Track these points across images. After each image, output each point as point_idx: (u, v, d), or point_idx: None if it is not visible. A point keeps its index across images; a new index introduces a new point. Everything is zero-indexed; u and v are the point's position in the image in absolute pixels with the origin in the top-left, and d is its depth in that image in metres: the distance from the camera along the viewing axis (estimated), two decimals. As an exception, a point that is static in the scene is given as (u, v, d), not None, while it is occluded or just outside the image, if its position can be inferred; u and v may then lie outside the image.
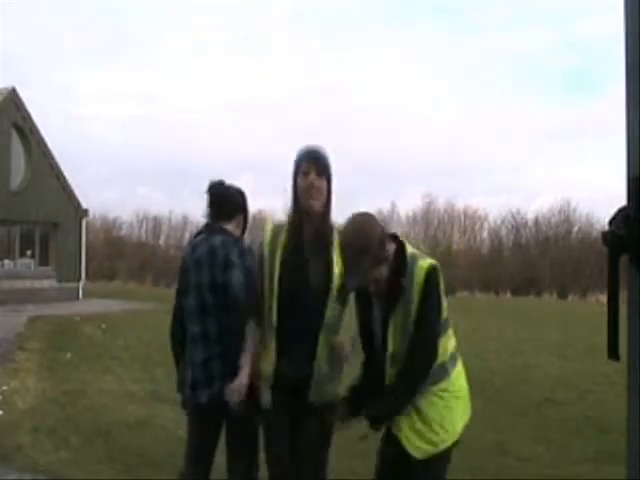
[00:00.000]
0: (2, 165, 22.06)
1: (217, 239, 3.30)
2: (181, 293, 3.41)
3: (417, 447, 2.69)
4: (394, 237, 2.80)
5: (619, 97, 1.34)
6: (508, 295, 41.43)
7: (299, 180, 2.96)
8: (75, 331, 14.26)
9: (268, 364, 2.92)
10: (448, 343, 2.80)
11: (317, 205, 2.95)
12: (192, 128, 63.17)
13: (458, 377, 2.83)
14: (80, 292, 25.33)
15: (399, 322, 2.70)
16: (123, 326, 14.91)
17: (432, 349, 2.70)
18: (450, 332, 2.84)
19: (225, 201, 3.40)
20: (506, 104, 62.86)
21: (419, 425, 2.70)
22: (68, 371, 9.30)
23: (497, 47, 63.79)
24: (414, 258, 2.74)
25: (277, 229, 3.03)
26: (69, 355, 10.71)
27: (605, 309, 1.39)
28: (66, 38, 66.88)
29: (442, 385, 2.75)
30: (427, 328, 2.70)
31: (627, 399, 1.33)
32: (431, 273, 2.69)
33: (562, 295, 40.91)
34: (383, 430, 2.84)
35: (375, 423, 2.75)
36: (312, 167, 2.94)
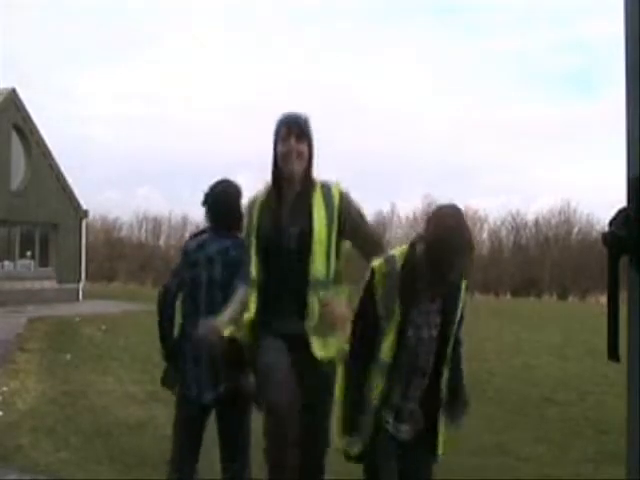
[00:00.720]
0: (2, 166, 22.06)
1: (228, 240, 3.31)
2: (177, 287, 3.40)
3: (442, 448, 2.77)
4: None
5: (619, 98, 1.35)
6: (508, 296, 41.43)
7: (279, 146, 2.94)
8: (75, 332, 14.26)
9: (248, 315, 2.88)
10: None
11: (297, 169, 2.92)
12: (193, 128, 63.27)
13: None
14: (80, 293, 25.32)
15: (455, 326, 2.77)
16: (123, 327, 14.91)
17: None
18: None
19: (230, 213, 3.37)
20: (506, 105, 62.93)
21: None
22: (68, 372, 9.30)
23: (497, 47, 63.86)
24: (460, 285, 2.83)
25: (261, 196, 3.04)
26: (69, 356, 10.71)
27: (605, 310, 1.39)
28: (67, 38, 66.96)
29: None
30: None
31: (627, 400, 1.33)
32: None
33: (562, 296, 40.91)
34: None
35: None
36: (291, 132, 2.91)
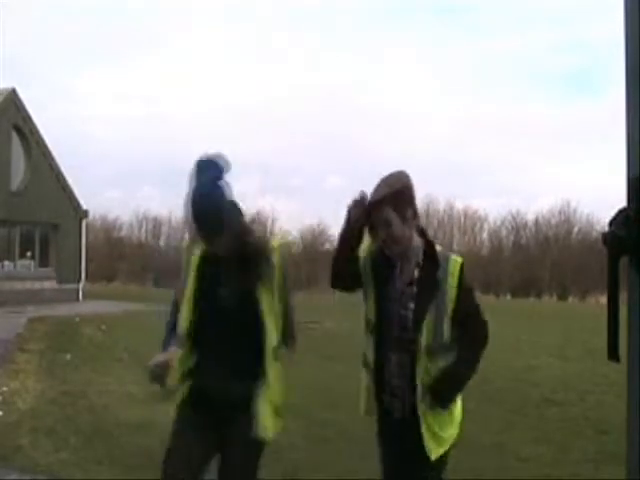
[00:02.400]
0: (2, 166, 22.06)
1: None
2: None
3: (433, 449, 2.70)
4: (423, 232, 2.80)
5: (620, 98, 1.35)
6: (508, 296, 41.45)
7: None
8: (75, 332, 14.26)
9: None
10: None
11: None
12: (194, 128, 63.29)
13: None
14: (80, 293, 25.33)
15: (432, 316, 2.69)
16: (123, 327, 14.90)
17: (486, 328, 2.79)
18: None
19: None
20: (506, 105, 62.94)
21: (436, 427, 2.71)
22: (68, 372, 9.30)
23: (497, 47, 63.91)
24: (445, 253, 2.77)
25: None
26: (69, 356, 10.71)
27: (605, 310, 1.39)
28: (67, 38, 66.99)
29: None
30: (478, 310, 2.78)
31: (627, 400, 1.33)
32: (463, 267, 2.74)
33: (562, 296, 40.93)
34: (376, 429, 2.88)
35: (448, 401, 2.74)
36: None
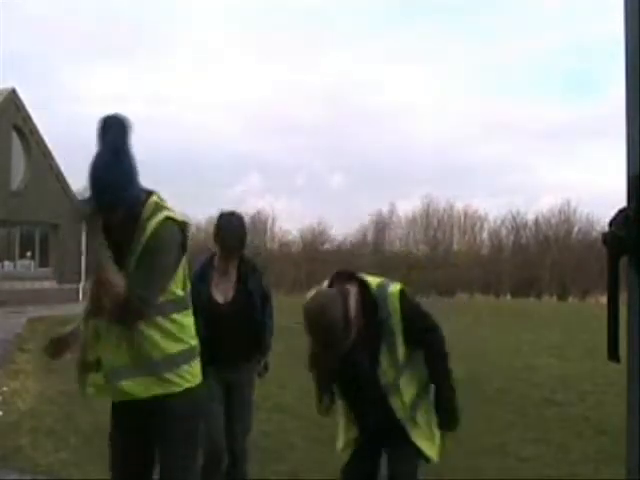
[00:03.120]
0: (2, 166, 22.07)
1: None
2: None
3: (431, 450, 2.80)
4: (352, 278, 2.77)
5: (620, 97, 1.34)
6: (508, 296, 41.42)
7: None
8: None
9: None
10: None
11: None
12: (196, 129, 63.31)
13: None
14: (80, 293, 25.31)
15: (387, 356, 2.74)
16: (123, 327, 14.86)
17: (439, 335, 2.84)
18: None
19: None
20: (507, 105, 62.94)
21: (427, 432, 2.80)
22: (68, 372, 9.28)
23: (498, 48, 63.90)
24: (381, 289, 2.74)
25: None
26: (69, 356, 10.69)
27: (605, 310, 1.39)
28: (68, 38, 66.97)
29: (427, 394, 2.88)
30: (426, 323, 2.82)
31: (627, 400, 1.33)
32: (404, 295, 2.75)
33: (562, 296, 40.92)
34: (349, 450, 3.04)
35: (457, 421, 2.82)
36: None
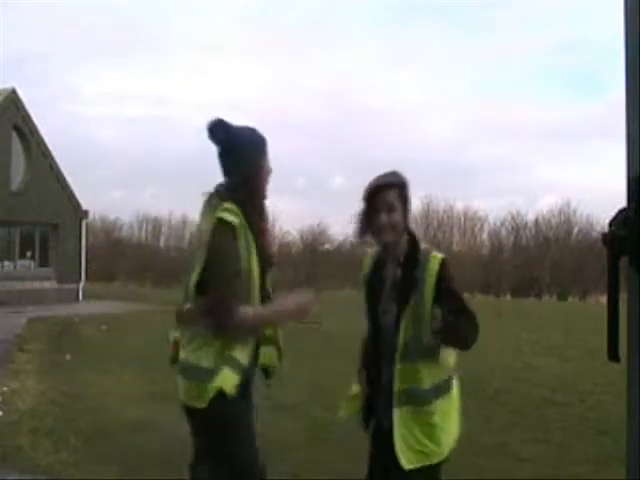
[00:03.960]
0: (2, 166, 22.08)
1: None
2: None
3: (408, 458, 2.60)
4: (409, 231, 2.77)
5: (620, 98, 1.35)
6: (508, 296, 41.42)
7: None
8: (75, 332, 14.25)
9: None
10: (451, 357, 2.76)
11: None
12: (199, 129, 63.14)
13: (456, 395, 2.78)
14: (80, 293, 25.33)
15: (409, 316, 2.63)
16: (123, 327, 14.89)
17: (476, 319, 2.67)
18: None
19: None
20: (507, 105, 62.94)
21: (414, 437, 2.62)
22: (68, 372, 9.29)
23: (498, 48, 63.92)
24: (427, 250, 2.70)
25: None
26: (69, 356, 10.70)
27: (605, 310, 1.39)
28: (69, 38, 66.97)
29: (442, 401, 2.68)
30: (464, 305, 2.66)
31: (627, 400, 1.33)
32: (446, 263, 2.66)
33: (562, 296, 40.90)
34: (370, 431, 2.84)
35: (441, 332, 2.58)
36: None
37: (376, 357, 2.77)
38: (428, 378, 2.64)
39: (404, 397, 2.62)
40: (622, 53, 1.33)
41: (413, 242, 2.72)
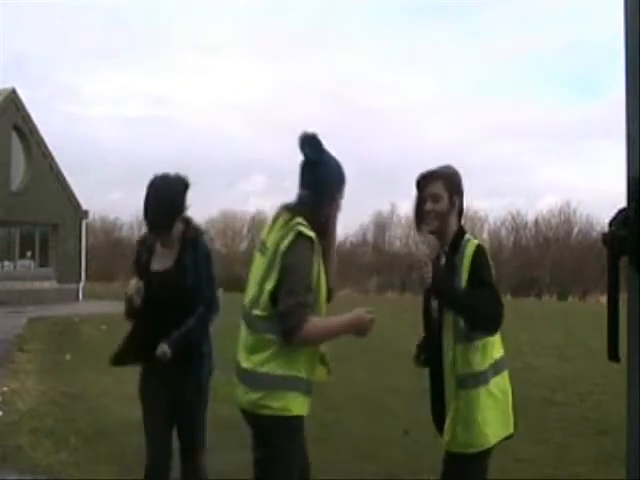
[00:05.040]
0: (2, 166, 22.07)
1: None
2: None
3: (453, 442, 2.75)
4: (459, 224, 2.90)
5: (620, 98, 1.35)
6: (508, 296, 41.41)
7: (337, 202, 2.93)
8: (75, 332, 14.26)
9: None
10: (496, 345, 2.87)
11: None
12: (197, 129, 63.30)
13: (502, 384, 2.95)
14: (80, 293, 25.33)
15: None
16: (123, 327, 14.80)
17: (498, 302, 2.74)
18: (499, 337, 2.88)
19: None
20: (507, 105, 62.93)
21: (459, 423, 2.74)
22: (68, 372, 9.30)
23: (499, 48, 63.91)
24: (468, 238, 2.81)
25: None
26: (69, 356, 10.71)
27: (605, 310, 1.39)
28: (70, 38, 66.97)
29: (483, 388, 2.81)
30: (489, 287, 2.73)
31: (627, 400, 1.33)
32: (480, 248, 2.74)
33: (562, 296, 40.89)
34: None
35: (436, 289, 2.77)
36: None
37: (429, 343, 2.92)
38: (466, 365, 2.73)
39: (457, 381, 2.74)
40: (622, 53, 1.33)
41: (460, 232, 2.82)
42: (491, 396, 2.79)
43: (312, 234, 2.71)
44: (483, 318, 2.71)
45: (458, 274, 2.71)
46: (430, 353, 2.88)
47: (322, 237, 2.81)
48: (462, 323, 2.70)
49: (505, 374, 2.90)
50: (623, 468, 1.35)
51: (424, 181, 2.83)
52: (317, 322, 2.70)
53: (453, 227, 2.82)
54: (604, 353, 1.38)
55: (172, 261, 3.45)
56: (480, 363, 2.74)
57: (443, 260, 2.83)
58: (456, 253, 2.76)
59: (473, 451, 2.73)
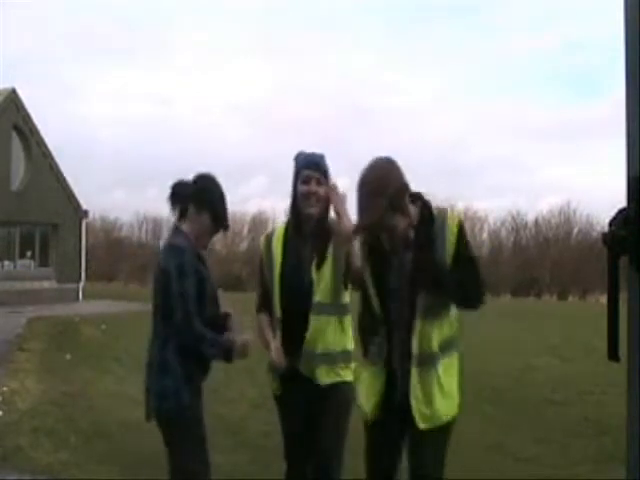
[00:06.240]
0: (2, 166, 22.06)
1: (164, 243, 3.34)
2: None
3: (424, 415, 2.65)
4: (418, 196, 2.73)
5: (621, 98, 1.35)
6: (508, 296, 41.42)
7: (299, 187, 3.11)
8: (75, 332, 14.25)
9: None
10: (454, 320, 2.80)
11: (314, 211, 3.11)
12: (198, 129, 63.28)
13: (458, 359, 2.83)
14: (80, 293, 25.31)
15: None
16: (123, 327, 14.88)
17: (482, 280, 2.70)
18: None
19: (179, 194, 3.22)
20: (507, 105, 62.94)
21: (429, 394, 2.65)
22: (68, 372, 9.30)
23: (499, 48, 63.91)
24: (442, 210, 2.71)
25: (278, 232, 3.25)
26: (69, 356, 10.71)
27: (605, 310, 1.39)
28: (69, 38, 66.98)
29: (451, 359, 2.75)
30: (474, 261, 2.72)
31: (627, 400, 1.33)
32: (463, 223, 2.69)
33: (562, 296, 40.88)
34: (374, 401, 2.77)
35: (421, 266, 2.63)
36: (313, 175, 3.09)
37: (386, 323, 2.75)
38: (438, 337, 2.68)
39: (419, 358, 2.65)
40: (622, 53, 1.33)
41: (425, 205, 2.71)
42: (449, 369, 2.73)
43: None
44: (472, 293, 2.69)
45: (441, 247, 2.61)
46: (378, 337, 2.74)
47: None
48: (431, 299, 2.62)
49: (455, 354, 2.80)
50: (623, 468, 1.36)
51: (368, 228, 2.68)
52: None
53: (412, 212, 2.66)
54: (604, 353, 1.38)
55: None
56: (447, 337, 2.73)
57: (411, 235, 2.66)
58: (431, 224, 2.64)
59: (446, 420, 2.69)
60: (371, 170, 2.64)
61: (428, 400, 2.65)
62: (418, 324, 2.64)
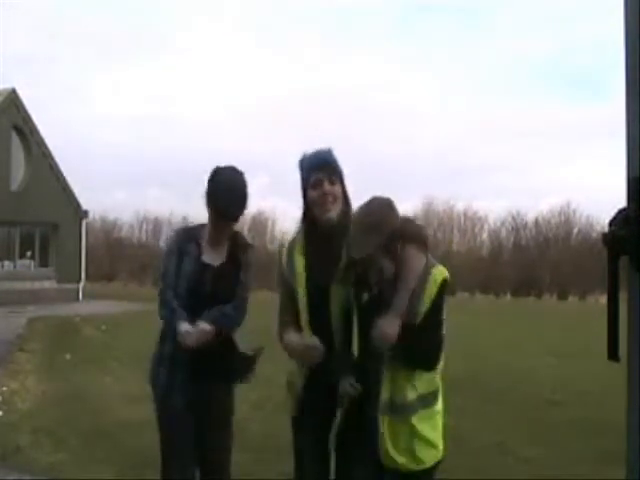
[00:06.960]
0: (2, 166, 22.07)
1: None
2: None
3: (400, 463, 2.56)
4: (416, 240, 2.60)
5: (620, 98, 1.35)
6: (508, 297, 41.43)
7: (310, 193, 2.76)
8: (75, 332, 14.26)
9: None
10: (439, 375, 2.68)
11: (334, 214, 2.75)
12: (199, 129, 63.27)
13: (440, 409, 2.69)
14: (80, 293, 25.33)
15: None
16: (123, 327, 14.89)
17: (438, 348, 2.56)
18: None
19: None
20: (507, 105, 62.96)
21: (399, 445, 2.56)
22: (68, 372, 9.30)
23: (499, 48, 63.93)
24: (431, 263, 2.57)
25: (292, 243, 2.89)
26: (69, 356, 10.71)
27: (605, 310, 1.39)
28: (70, 38, 66.99)
29: (434, 408, 2.63)
30: (438, 327, 2.57)
31: (627, 400, 1.33)
32: (446, 282, 2.56)
33: (562, 296, 40.88)
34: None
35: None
36: (322, 177, 2.75)
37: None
38: (414, 388, 2.55)
39: (390, 406, 2.55)
40: (622, 53, 1.33)
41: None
42: (434, 416, 2.63)
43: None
44: (428, 358, 2.56)
45: (418, 296, 2.50)
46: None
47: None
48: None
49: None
50: (623, 468, 1.36)
51: (359, 262, 2.58)
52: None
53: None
54: (604, 353, 1.38)
55: (223, 258, 3.26)
56: (429, 384, 2.61)
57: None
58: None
59: (430, 464, 2.59)
60: (371, 208, 2.55)
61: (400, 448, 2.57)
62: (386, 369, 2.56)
